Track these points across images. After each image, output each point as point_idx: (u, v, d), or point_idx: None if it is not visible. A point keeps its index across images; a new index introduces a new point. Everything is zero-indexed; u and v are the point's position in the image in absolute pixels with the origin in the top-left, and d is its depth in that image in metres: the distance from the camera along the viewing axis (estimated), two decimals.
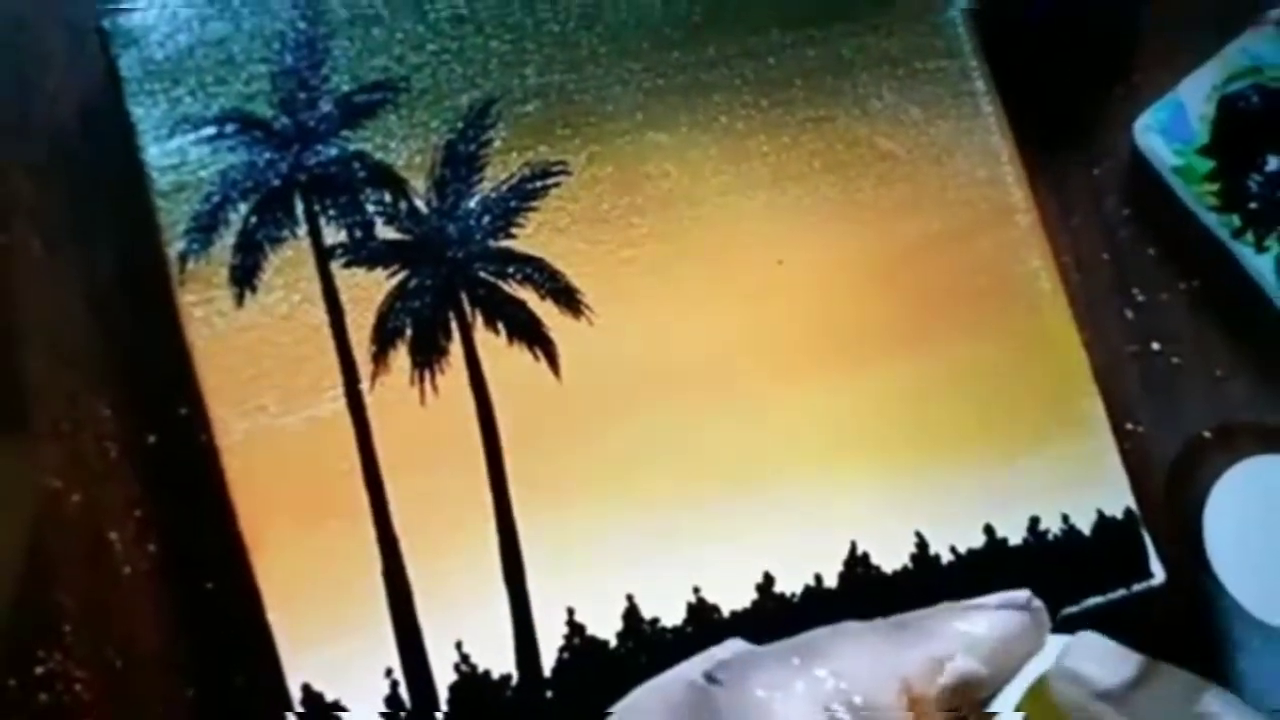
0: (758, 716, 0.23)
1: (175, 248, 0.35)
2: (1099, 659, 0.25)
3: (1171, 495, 0.42)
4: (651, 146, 0.38)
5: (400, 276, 0.36)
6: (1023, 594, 0.27)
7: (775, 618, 0.36)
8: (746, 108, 0.39)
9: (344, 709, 0.34)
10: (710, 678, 0.23)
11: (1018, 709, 0.25)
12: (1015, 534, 0.38)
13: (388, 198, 0.36)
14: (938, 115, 0.40)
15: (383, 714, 0.34)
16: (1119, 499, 0.39)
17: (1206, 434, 0.43)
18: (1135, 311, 0.43)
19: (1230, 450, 0.41)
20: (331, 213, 0.36)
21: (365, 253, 0.36)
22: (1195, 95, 0.42)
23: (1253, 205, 0.41)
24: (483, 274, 0.37)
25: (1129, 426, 0.42)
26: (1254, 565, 0.39)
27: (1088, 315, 0.41)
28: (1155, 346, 0.43)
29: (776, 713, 0.23)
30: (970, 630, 0.25)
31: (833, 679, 0.23)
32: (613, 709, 0.25)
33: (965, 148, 0.40)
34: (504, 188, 0.37)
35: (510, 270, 0.37)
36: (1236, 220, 0.42)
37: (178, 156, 0.35)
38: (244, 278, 0.35)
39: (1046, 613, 0.27)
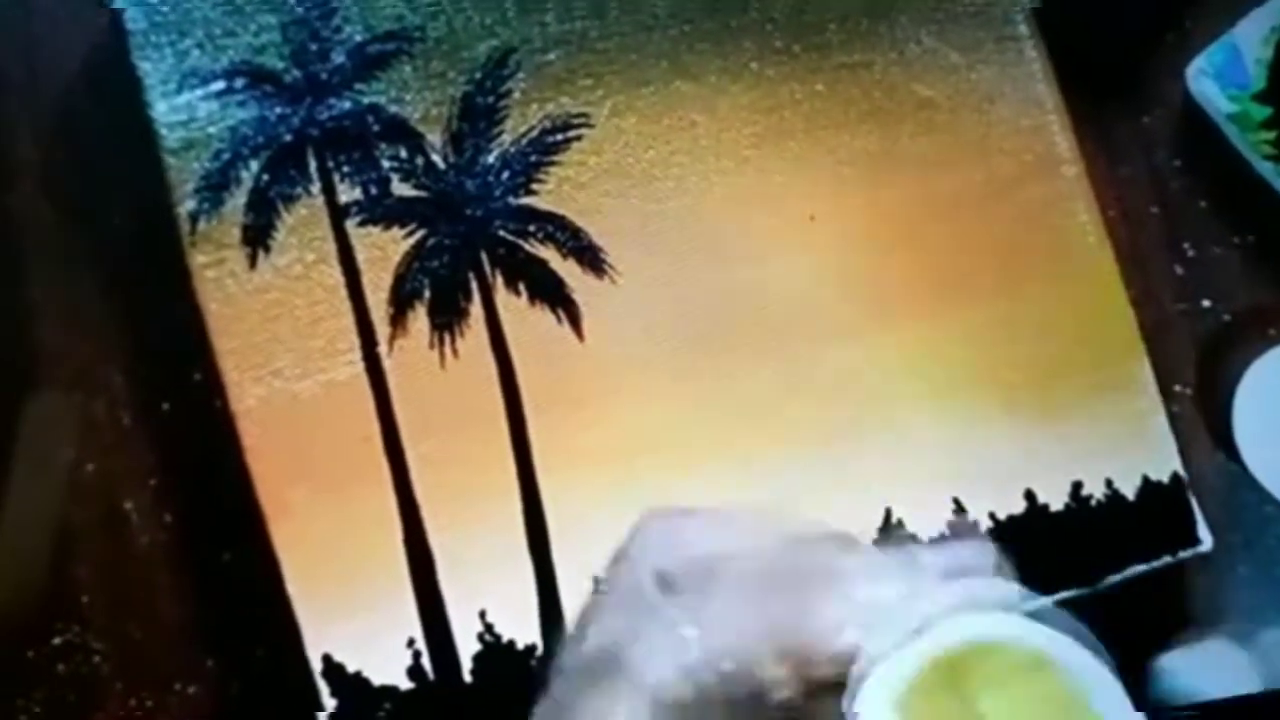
0: (621, 672, 0.23)
1: (186, 207, 0.34)
2: None
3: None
4: (678, 96, 0.37)
5: (418, 235, 0.35)
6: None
7: None
8: (778, 54, 0.38)
9: (366, 679, 0.33)
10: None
11: (913, 679, 0.24)
12: (1057, 499, 0.38)
13: (403, 153, 0.35)
14: (979, 60, 0.39)
15: (405, 685, 0.33)
16: (1166, 463, 0.38)
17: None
18: (1186, 267, 0.42)
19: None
20: (346, 169, 0.35)
21: (381, 211, 0.35)
22: (1252, 38, 0.40)
23: None
24: (503, 232, 0.36)
25: (1177, 388, 0.41)
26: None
27: (1136, 271, 0.40)
28: (1206, 304, 0.42)
29: (636, 667, 0.23)
30: (867, 594, 0.25)
31: (703, 640, 0.23)
32: None
33: (1008, 95, 0.39)
34: (524, 141, 0.36)
35: (531, 228, 0.36)
36: None
37: (186, 112, 0.34)
38: (257, 237, 0.34)
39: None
